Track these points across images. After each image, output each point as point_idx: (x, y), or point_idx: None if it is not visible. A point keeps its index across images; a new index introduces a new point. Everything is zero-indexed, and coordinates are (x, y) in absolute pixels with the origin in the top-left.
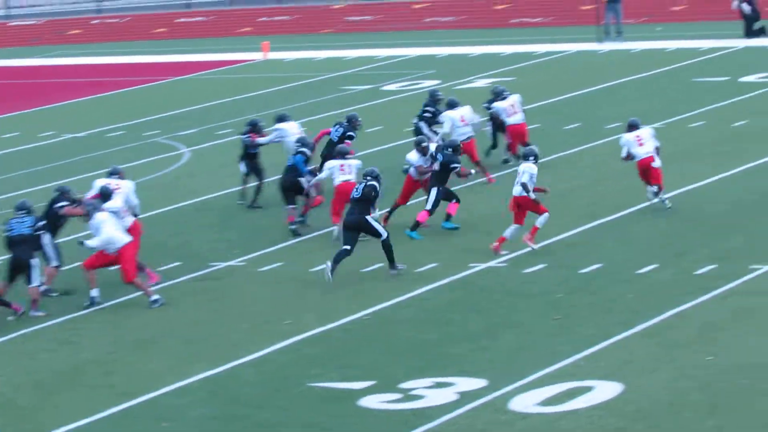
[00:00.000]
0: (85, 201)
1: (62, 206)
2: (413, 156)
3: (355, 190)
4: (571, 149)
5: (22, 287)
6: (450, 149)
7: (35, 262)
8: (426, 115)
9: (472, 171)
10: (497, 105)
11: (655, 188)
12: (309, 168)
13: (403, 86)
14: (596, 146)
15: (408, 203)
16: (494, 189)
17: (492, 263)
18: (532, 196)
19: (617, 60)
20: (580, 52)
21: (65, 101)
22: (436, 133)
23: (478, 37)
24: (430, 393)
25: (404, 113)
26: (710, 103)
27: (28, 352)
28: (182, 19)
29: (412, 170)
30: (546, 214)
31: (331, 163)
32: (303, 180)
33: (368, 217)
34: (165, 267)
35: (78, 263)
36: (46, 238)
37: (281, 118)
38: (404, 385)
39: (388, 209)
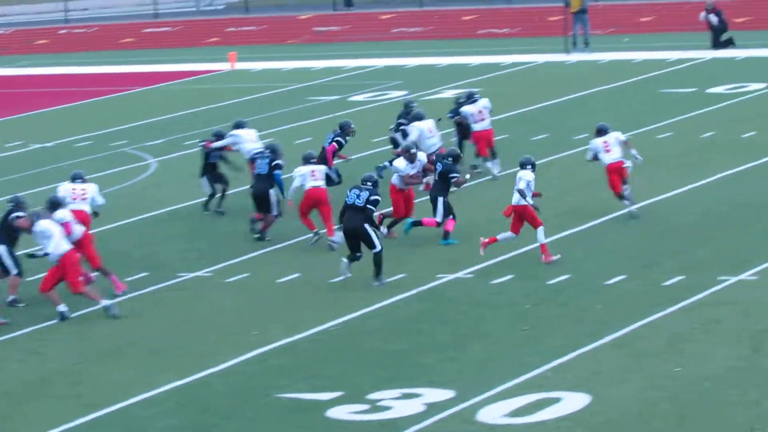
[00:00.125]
0: (31, 212)
1: (17, 217)
2: (401, 164)
3: (356, 197)
4: (539, 160)
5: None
6: (450, 158)
7: None
8: (402, 126)
9: (467, 176)
10: (466, 109)
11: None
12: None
13: (370, 97)
14: (564, 157)
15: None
16: (465, 200)
17: (460, 274)
18: (530, 201)
19: (585, 71)
20: (547, 63)
21: (33, 111)
22: None
23: (445, 48)
24: (397, 404)
25: (371, 124)
26: (678, 114)
27: None
28: (149, 30)
29: (395, 179)
30: (542, 228)
31: (301, 170)
32: (272, 192)
33: (367, 226)
34: (132, 277)
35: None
36: (2, 249)
37: (238, 125)
38: (372, 396)
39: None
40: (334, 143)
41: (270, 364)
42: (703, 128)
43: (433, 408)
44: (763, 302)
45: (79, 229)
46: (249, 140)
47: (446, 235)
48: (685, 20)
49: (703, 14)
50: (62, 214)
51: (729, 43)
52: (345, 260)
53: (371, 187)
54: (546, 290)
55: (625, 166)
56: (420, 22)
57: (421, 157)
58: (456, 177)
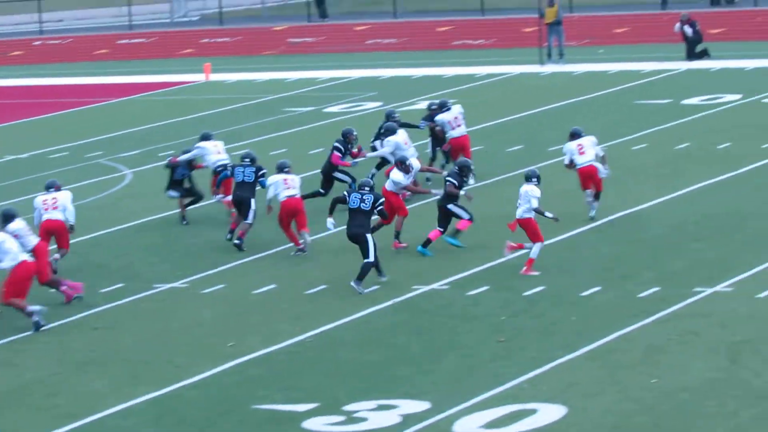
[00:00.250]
0: None
1: None
2: (399, 176)
3: (361, 201)
4: (514, 171)
5: None
6: (457, 168)
7: None
8: (380, 139)
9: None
10: (441, 117)
11: (592, 192)
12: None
13: (345, 108)
14: (539, 168)
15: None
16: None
17: (435, 285)
18: (550, 215)
19: (560, 82)
20: (522, 75)
21: (7, 122)
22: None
23: (420, 59)
24: (373, 415)
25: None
26: (653, 125)
27: None
28: (124, 41)
29: (390, 185)
30: (540, 244)
31: (274, 178)
32: (253, 200)
33: (368, 236)
34: (107, 289)
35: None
36: None
37: (205, 137)
38: (348, 408)
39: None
40: (335, 152)
41: (247, 376)
42: (678, 139)
43: (408, 419)
44: (739, 313)
45: (33, 240)
46: (215, 152)
47: (457, 232)
48: (660, 32)
49: (677, 25)
50: (15, 225)
51: (704, 55)
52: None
53: (371, 191)
54: (521, 302)
55: (600, 176)
56: (394, 33)
57: (415, 164)
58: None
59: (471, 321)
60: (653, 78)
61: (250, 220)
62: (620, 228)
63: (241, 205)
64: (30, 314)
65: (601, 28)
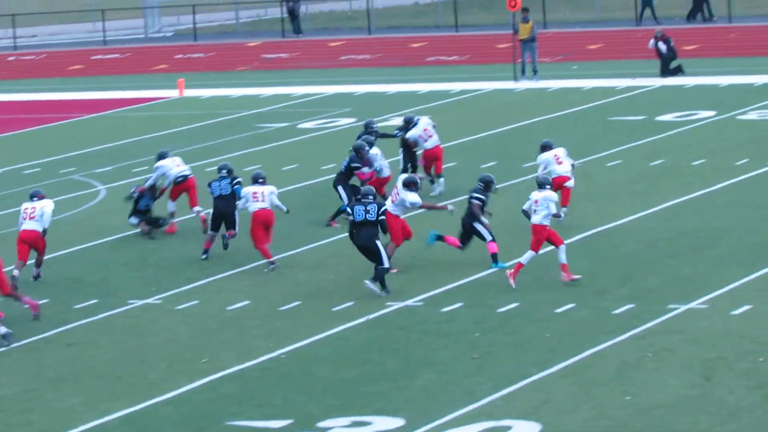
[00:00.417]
0: None
1: None
2: (415, 198)
3: (366, 213)
4: None
5: None
6: (481, 183)
7: None
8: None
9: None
10: (412, 133)
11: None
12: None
13: (319, 124)
14: (513, 184)
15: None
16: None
17: (409, 302)
18: (562, 216)
19: (533, 98)
20: (496, 91)
21: None
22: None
23: (394, 75)
24: None
25: (321, 151)
26: (627, 142)
27: None
28: (98, 56)
29: (395, 209)
30: (532, 253)
31: (246, 190)
32: (236, 213)
33: (378, 243)
34: (82, 304)
35: None
36: None
37: (162, 156)
38: (322, 424)
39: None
40: (355, 171)
41: (220, 392)
42: (652, 156)
43: None
44: (713, 330)
45: None
46: (174, 166)
47: (495, 257)
48: (634, 48)
49: (652, 42)
50: None
51: (678, 71)
52: (371, 285)
53: (374, 200)
54: (495, 318)
55: (567, 185)
56: (369, 49)
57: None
58: (481, 201)
59: (445, 337)
60: (627, 94)
61: (236, 229)
62: (594, 244)
63: (223, 219)
64: None
65: (575, 44)
